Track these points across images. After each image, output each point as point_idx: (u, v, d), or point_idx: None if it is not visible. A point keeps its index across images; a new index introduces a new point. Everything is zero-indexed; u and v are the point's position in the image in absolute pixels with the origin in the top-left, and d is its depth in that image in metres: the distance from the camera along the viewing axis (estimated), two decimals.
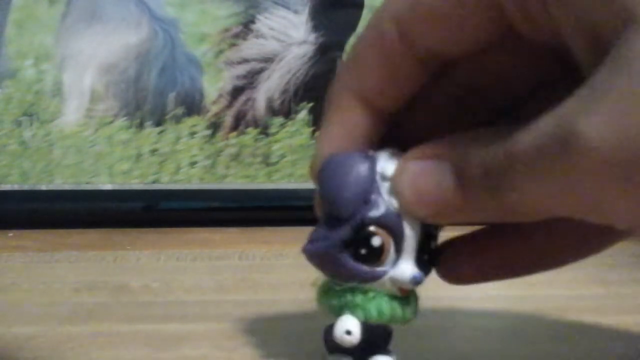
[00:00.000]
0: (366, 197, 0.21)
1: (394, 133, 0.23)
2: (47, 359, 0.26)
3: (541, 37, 0.20)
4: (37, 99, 0.46)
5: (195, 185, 0.46)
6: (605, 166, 0.16)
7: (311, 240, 0.22)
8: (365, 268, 0.22)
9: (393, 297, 0.22)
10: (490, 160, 0.19)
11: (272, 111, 0.46)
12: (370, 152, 0.22)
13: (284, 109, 0.46)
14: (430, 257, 0.22)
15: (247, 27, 0.46)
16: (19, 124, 0.45)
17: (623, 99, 0.16)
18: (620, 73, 0.16)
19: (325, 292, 0.23)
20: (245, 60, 0.46)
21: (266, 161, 0.46)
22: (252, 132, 0.46)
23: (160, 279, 0.34)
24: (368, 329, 0.23)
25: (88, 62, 0.46)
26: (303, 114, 0.46)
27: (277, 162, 0.46)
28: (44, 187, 0.45)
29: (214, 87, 0.46)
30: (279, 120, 0.46)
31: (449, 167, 0.20)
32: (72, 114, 0.46)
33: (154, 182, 0.46)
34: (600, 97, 0.16)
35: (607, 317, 0.30)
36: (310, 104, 0.46)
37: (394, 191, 0.21)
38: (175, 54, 0.46)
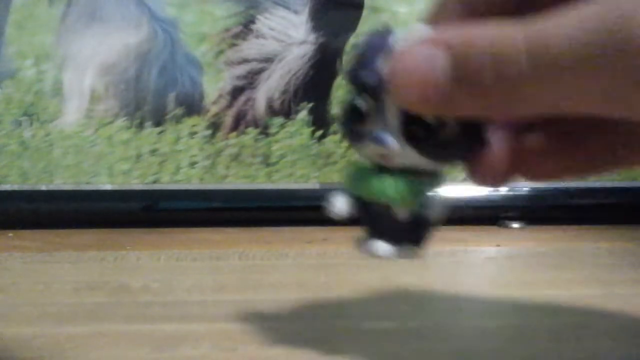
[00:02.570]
0: (366, 65, 0.22)
1: None
2: (47, 359, 0.26)
3: None
4: (37, 99, 0.46)
5: (195, 185, 0.46)
6: None
7: None
8: (352, 127, 0.22)
9: (397, 178, 0.23)
10: (505, 59, 0.18)
11: (272, 111, 0.46)
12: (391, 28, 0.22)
13: (284, 109, 0.46)
14: (427, 134, 0.22)
15: (247, 27, 0.47)
16: (19, 124, 0.45)
17: None
18: None
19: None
20: (245, 61, 0.46)
21: (266, 161, 0.46)
22: (252, 132, 0.46)
23: (160, 279, 0.34)
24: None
25: (88, 62, 0.46)
26: (303, 114, 0.46)
27: (277, 162, 0.46)
28: (44, 187, 0.45)
29: (214, 87, 0.46)
30: (279, 120, 0.46)
31: (449, 58, 0.19)
32: (72, 114, 0.46)
33: (153, 182, 0.46)
34: None
35: (607, 317, 0.30)
36: (310, 104, 0.46)
37: (390, 67, 0.21)
38: (175, 54, 0.46)
